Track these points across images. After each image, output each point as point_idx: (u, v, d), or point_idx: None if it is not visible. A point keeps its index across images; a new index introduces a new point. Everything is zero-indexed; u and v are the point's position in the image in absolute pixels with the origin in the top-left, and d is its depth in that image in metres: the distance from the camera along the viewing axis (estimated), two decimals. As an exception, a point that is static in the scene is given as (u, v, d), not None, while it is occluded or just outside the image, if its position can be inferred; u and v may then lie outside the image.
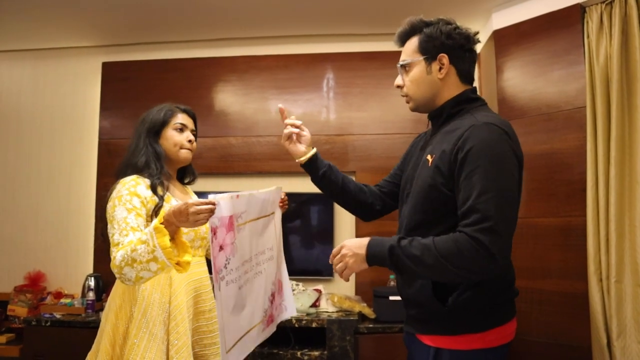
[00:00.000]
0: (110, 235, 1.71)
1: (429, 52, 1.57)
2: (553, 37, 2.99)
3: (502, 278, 1.48)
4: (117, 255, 1.62)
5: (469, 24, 3.55)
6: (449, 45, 1.55)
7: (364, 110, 3.70)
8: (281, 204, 2.02)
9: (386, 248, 1.42)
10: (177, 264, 1.60)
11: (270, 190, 1.90)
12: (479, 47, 3.63)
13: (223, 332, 1.51)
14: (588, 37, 2.85)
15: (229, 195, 1.56)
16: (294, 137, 1.90)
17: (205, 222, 1.50)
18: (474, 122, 1.44)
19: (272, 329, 1.93)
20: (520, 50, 3.14)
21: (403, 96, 1.67)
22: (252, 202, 1.74)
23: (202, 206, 1.48)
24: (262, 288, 1.81)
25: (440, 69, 1.57)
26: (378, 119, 3.67)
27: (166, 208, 1.73)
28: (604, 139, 2.71)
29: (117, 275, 1.63)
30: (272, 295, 1.92)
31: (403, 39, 1.65)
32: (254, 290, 1.74)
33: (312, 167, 1.89)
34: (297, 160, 1.89)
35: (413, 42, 1.61)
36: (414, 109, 1.68)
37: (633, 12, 2.68)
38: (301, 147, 1.89)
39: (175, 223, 1.55)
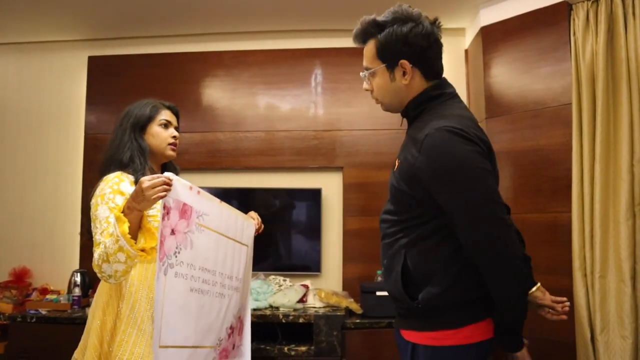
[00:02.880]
0: (93, 234, 1.71)
1: (388, 59, 1.53)
2: (540, 34, 3.00)
3: (470, 275, 1.43)
4: (95, 255, 1.63)
5: (457, 20, 3.60)
6: (407, 51, 1.50)
7: (352, 105, 3.70)
8: (257, 227, 2.04)
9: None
10: (142, 250, 1.60)
11: (243, 217, 1.91)
12: (466, 43, 3.67)
13: (160, 323, 1.47)
14: (574, 34, 2.87)
15: (187, 183, 1.58)
16: None
17: (161, 197, 1.49)
18: (429, 130, 1.42)
19: None
20: (507, 47, 3.16)
21: (374, 98, 1.65)
22: (217, 211, 1.73)
23: (155, 180, 1.49)
24: (222, 312, 1.78)
25: (404, 74, 1.53)
26: (366, 115, 3.67)
27: None
28: (589, 135, 2.74)
29: (99, 275, 1.64)
30: (231, 329, 1.87)
31: (361, 40, 1.61)
32: (212, 308, 1.72)
33: None
34: None
35: (371, 47, 1.57)
36: (385, 110, 1.67)
37: (619, 10, 2.71)
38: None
39: (136, 207, 1.56)
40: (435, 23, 1.55)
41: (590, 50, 2.78)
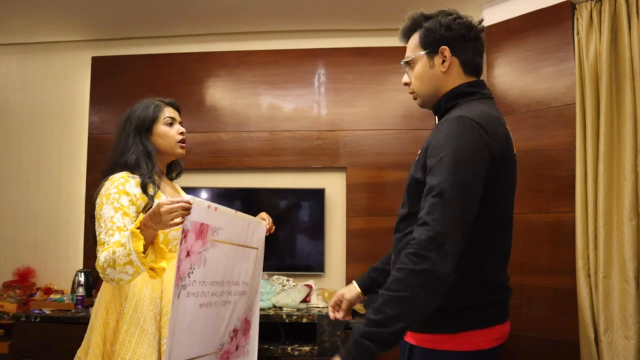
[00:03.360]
0: (97, 233, 1.71)
1: (430, 46, 1.55)
2: (543, 34, 3.00)
3: (467, 282, 1.39)
4: (101, 256, 1.64)
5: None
6: (449, 36, 1.53)
7: (355, 106, 3.70)
8: (268, 227, 2.01)
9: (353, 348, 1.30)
10: (152, 269, 1.60)
11: (254, 220, 1.90)
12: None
13: (170, 345, 1.47)
14: (578, 34, 2.86)
15: (205, 202, 1.55)
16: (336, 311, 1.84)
17: (180, 223, 1.48)
18: (449, 116, 1.44)
19: None
20: (510, 47, 3.15)
21: (410, 93, 1.65)
22: (232, 223, 1.72)
23: (173, 205, 1.47)
24: (226, 319, 1.77)
25: (443, 61, 1.54)
26: (369, 115, 3.67)
27: None
28: (592, 135, 2.73)
29: (100, 275, 1.65)
30: (235, 331, 1.87)
31: (406, 35, 1.63)
32: (218, 317, 1.71)
33: (373, 287, 1.85)
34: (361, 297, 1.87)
35: (415, 38, 1.59)
36: (421, 105, 1.65)
37: (622, 9, 2.70)
38: (350, 305, 1.84)
39: (152, 226, 1.55)
40: (480, 22, 1.60)
41: (593, 50, 2.78)
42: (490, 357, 1.46)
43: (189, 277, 1.52)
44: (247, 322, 1.96)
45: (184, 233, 1.47)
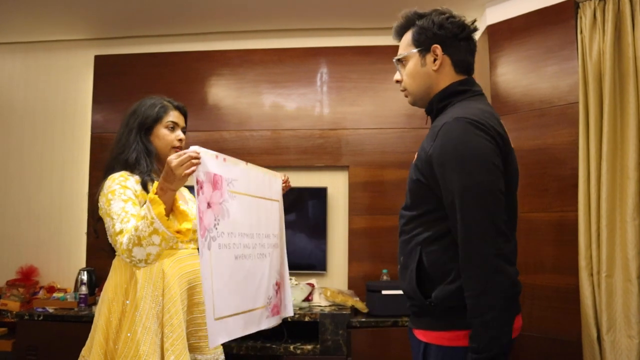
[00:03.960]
0: (110, 227, 1.70)
1: (422, 44, 1.56)
2: (546, 33, 2.99)
3: None
4: (124, 240, 1.63)
5: (463, 19, 3.58)
6: (442, 35, 1.54)
7: (358, 104, 3.69)
8: (284, 184, 2.07)
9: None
10: (178, 232, 1.62)
11: (269, 173, 1.95)
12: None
13: (212, 297, 1.50)
14: (581, 33, 2.86)
15: (212, 152, 1.60)
16: None
17: (193, 172, 1.51)
18: (447, 119, 1.44)
19: (277, 321, 1.94)
20: (513, 46, 3.15)
21: (402, 90, 1.67)
22: (246, 174, 1.76)
23: (182, 157, 1.52)
24: (266, 272, 1.83)
25: (435, 60, 1.55)
26: (371, 114, 3.67)
27: None
28: (596, 134, 2.73)
29: (128, 260, 1.65)
30: (277, 285, 1.93)
31: (399, 33, 1.64)
32: (257, 270, 1.76)
33: None
34: None
35: (407, 36, 1.61)
36: (412, 103, 1.67)
37: (626, 8, 2.69)
38: None
39: (168, 187, 1.58)
40: (472, 22, 1.61)
41: (597, 49, 2.77)
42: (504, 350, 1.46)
43: (216, 228, 1.55)
44: (282, 276, 2.02)
45: (199, 184, 1.51)
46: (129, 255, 1.63)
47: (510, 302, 1.36)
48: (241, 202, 1.70)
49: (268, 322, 1.87)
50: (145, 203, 1.76)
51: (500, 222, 1.36)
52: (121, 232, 1.66)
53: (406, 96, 1.67)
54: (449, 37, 1.55)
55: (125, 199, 1.73)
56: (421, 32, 1.57)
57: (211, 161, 1.58)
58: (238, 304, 1.64)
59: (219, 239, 1.55)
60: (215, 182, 1.57)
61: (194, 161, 1.52)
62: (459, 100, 1.54)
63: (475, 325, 1.34)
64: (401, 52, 1.62)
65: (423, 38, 1.56)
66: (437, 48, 1.55)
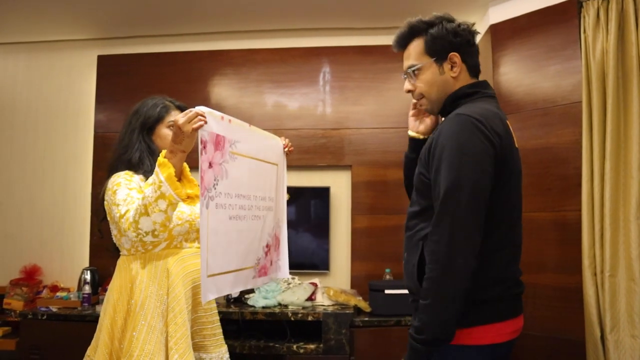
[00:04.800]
0: (115, 214, 1.71)
1: (437, 53, 1.57)
2: (549, 32, 2.99)
3: (488, 272, 1.43)
4: (130, 214, 1.64)
5: (466, 18, 3.50)
6: (458, 43, 1.56)
7: (360, 104, 3.69)
8: (286, 149, 2.10)
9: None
10: (189, 197, 1.64)
11: (270, 136, 1.99)
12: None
13: (206, 254, 1.53)
14: (584, 32, 2.85)
15: (218, 113, 1.62)
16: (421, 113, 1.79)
17: (201, 126, 1.53)
18: (450, 115, 1.48)
19: (264, 280, 1.96)
20: (516, 45, 3.14)
21: (418, 99, 1.66)
22: (248, 136, 1.79)
23: (188, 114, 1.54)
24: (257, 233, 1.85)
25: (453, 67, 1.57)
26: (374, 113, 3.67)
27: None
28: (599, 134, 2.72)
29: (134, 235, 1.64)
30: (268, 247, 1.95)
31: (403, 43, 1.63)
32: (250, 231, 1.80)
33: (416, 146, 1.80)
34: (411, 133, 1.84)
35: (418, 45, 1.60)
36: (429, 111, 1.68)
37: (629, 7, 2.69)
38: (423, 125, 1.79)
39: (178, 148, 1.60)
40: (473, 25, 1.63)
41: (600, 48, 2.76)
42: (504, 350, 1.47)
43: (215, 188, 1.57)
44: (276, 239, 2.04)
45: (203, 143, 1.53)
46: (136, 228, 1.62)
47: (458, 298, 1.37)
48: (240, 163, 1.72)
49: (254, 282, 1.89)
50: None
51: (472, 221, 1.37)
52: (127, 212, 1.66)
53: (422, 105, 1.66)
54: (464, 43, 1.57)
55: (130, 187, 1.75)
56: (435, 41, 1.57)
57: (216, 122, 1.61)
58: (229, 262, 1.67)
59: (216, 199, 1.58)
60: (217, 143, 1.59)
61: (201, 117, 1.54)
62: (467, 101, 1.56)
63: (420, 307, 1.39)
64: (414, 63, 1.61)
65: (439, 47, 1.57)
66: (456, 56, 1.56)
